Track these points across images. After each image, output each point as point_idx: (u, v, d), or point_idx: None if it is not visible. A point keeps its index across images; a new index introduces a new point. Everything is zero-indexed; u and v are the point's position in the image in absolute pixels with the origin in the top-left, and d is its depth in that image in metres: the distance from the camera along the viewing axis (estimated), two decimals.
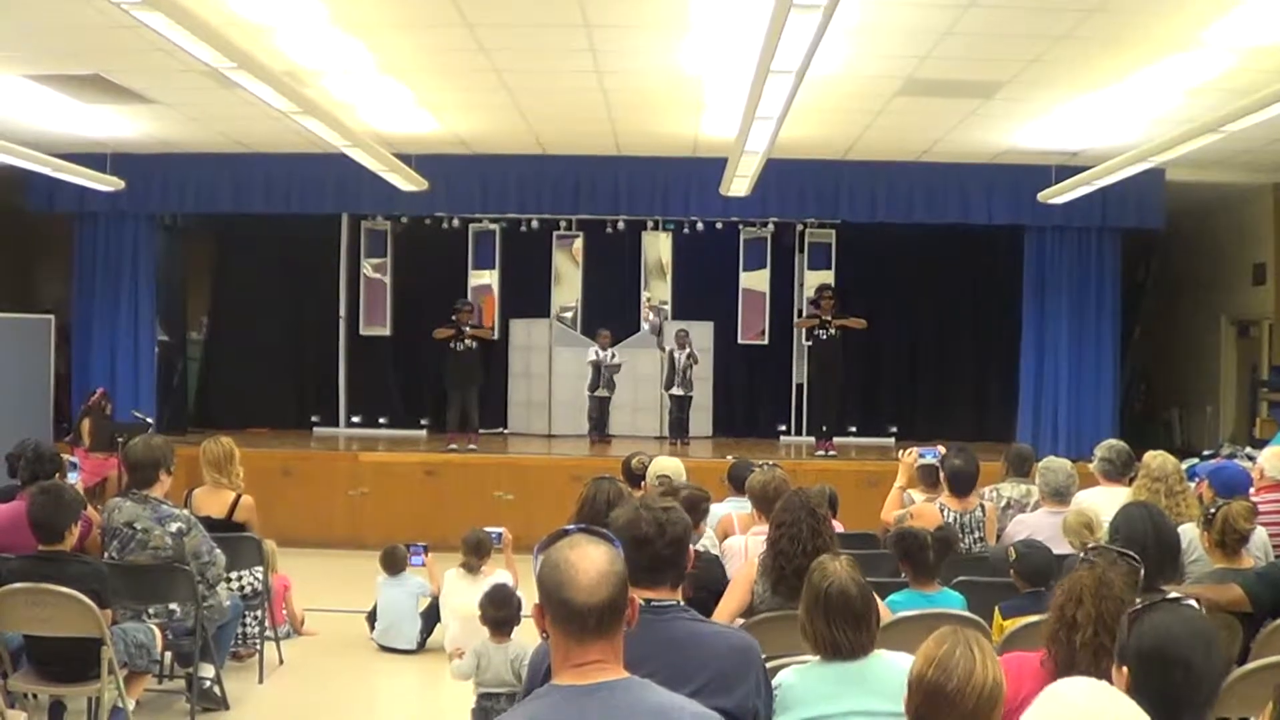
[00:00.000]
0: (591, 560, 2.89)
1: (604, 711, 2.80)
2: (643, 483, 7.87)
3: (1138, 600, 3.51)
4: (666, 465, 7.88)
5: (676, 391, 15.60)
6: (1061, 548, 6.35)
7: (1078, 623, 3.70)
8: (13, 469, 7.65)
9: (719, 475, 9.07)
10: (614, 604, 2.88)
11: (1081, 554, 4.52)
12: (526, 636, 6.12)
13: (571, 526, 3.08)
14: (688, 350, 15.56)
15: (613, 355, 15.72)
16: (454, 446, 14.45)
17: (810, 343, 15.36)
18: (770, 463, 7.84)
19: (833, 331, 14.56)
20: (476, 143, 13.65)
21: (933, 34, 8.99)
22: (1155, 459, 7.08)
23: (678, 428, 15.65)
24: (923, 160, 13.99)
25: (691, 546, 4.06)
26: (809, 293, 15.82)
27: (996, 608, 5.75)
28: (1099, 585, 3.76)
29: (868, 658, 3.98)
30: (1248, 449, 12.69)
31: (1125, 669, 3.10)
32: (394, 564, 9.38)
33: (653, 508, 3.91)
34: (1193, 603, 3.45)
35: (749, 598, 5.45)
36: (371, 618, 9.36)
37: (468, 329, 14.68)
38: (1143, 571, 4.60)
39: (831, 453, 14.66)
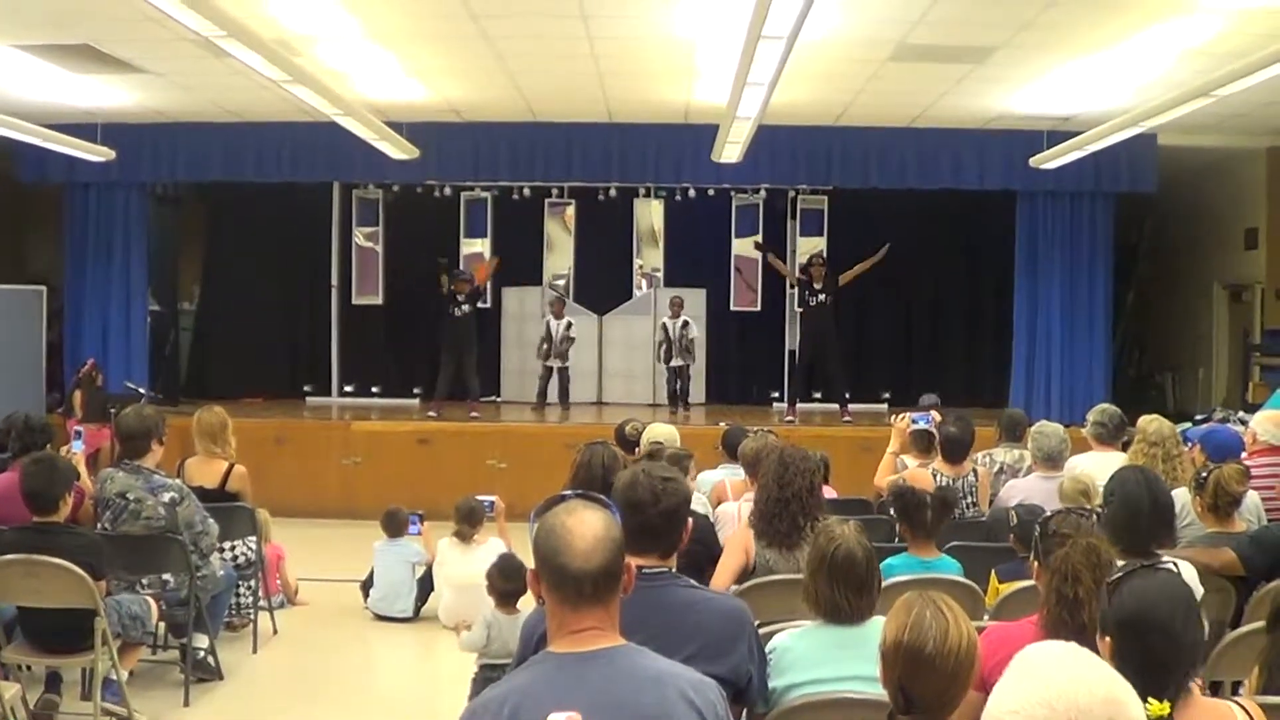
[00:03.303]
0: (588, 526, 2.86)
1: (601, 679, 2.79)
2: (636, 449, 7.87)
3: (1117, 566, 3.48)
4: (660, 432, 7.89)
5: (676, 362, 15.59)
6: None
7: (1080, 600, 3.58)
8: (3, 442, 7.63)
9: (712, 442, 9.07)
10: (610, 570, 2.86)
11: (1039, 526, 4.45)
12: (527, 606, 6.13)
13: (568, 492, 3.06)
14: (683, 319, 15.56)
15: (568, 325, 15.68)
16: (432, 414, 14.42)
17: (801, 309, 15.38)
18: (763, 429, 7.85)
19: (821, 298, 14.52)
20: (468, 110, 13.58)
21: None
22: (1152, 424, 7.08)
23: (679, 396, 15.64)
24: (915, 126, 13.93)
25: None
26: (801, 259, 15.77)
27: (993, 571, 5.76)
28: (1088, 555, 3.67)
29: (867, 623, 3.98)
30: (1240, 413, 12.67)
31: (1108, 638, 3.10)
32: (395, 526, 9.36)
33: (653, 475, 3.86)
34: (1172, 566, 3.41)
35: (744, 561, 5.46)
36: (366, 586, 9.36)
37: (461, 297, 14.64)
38: (1136, 535, 4.63)
39: (847, 419, 14.64)
